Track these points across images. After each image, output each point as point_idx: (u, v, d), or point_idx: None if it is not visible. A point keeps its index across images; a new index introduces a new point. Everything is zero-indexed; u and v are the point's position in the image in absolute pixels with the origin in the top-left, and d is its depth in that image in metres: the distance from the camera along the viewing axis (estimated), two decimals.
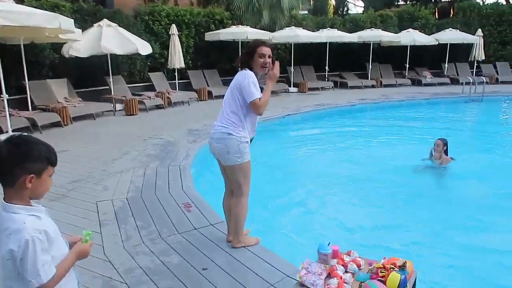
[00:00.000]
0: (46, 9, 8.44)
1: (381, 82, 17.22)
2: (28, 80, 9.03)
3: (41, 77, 10.01)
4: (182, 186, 4.91)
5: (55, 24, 6.92)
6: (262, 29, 15.05)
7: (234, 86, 3.07)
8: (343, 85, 16.94)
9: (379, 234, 4.03)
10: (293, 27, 15.70)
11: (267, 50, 3.08)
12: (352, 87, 16.52)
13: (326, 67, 16.72)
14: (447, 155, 6.00)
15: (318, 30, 16.87)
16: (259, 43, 3.13)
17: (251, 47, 3.11)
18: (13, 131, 7.53)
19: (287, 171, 6.32)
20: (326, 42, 15.98)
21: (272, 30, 15.79)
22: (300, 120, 10.57)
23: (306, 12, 26.91)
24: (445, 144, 5.99)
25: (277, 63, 3.13)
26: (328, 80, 16.80)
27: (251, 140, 3.21)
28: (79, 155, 6.60)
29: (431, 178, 5.96)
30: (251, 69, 3.08)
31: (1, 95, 7.40)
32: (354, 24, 18.50)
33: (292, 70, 15.92)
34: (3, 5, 6.31)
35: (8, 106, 7.81)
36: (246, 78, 2.99)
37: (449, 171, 5.93)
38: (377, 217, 4.47)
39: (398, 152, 7.35)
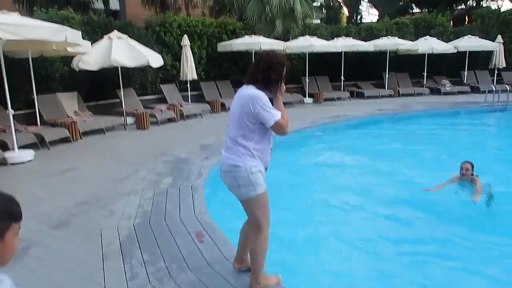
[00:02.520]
0: (56, 22, 8.17)
1: (398, 91, 16.66)
2: (38, 94, 8.81)
3: (51, 90, 9.78)
4: (194, 210, 4.50)
5: (61, 37, 6.63)
6: (275, 39, 14.70)
7: (241, 112, 2.66)
8: (360, 95, 16.45)
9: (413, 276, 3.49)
10: (307, 36, 15.32)
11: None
12: (369, 97, 16.01)
13: (342, 77, 16.26)
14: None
15: (333, 39, 16.44)
16: (285, 57, 2.73)
17: (283, 62, 2.69)
18: (19, 147, 7.26)
19: (306, 192, 5.82)
20: (341, 51, 15.54)
21: (285, 39, 15.42)
22: (317, 133, 10.07)
23: (318, 21, 26.60)
24: (473, 166, 5.45)
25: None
26: (344, 90, 16.33)
27: (266, 169, 2.80)
28: (87, 173, 6.28)
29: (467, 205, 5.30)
30: (266, 85, 2.67)
31: (7, 111, 7.13)
32: (369, 33, 18.03)
33: (307, 80, 15.52)
34: (6, 18, 6.02)
35: (16, 121, 7.57)
36: (256, 101, 2.58)
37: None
38: (412, 253, 3.92)
39: (428, 171, 6.56)
